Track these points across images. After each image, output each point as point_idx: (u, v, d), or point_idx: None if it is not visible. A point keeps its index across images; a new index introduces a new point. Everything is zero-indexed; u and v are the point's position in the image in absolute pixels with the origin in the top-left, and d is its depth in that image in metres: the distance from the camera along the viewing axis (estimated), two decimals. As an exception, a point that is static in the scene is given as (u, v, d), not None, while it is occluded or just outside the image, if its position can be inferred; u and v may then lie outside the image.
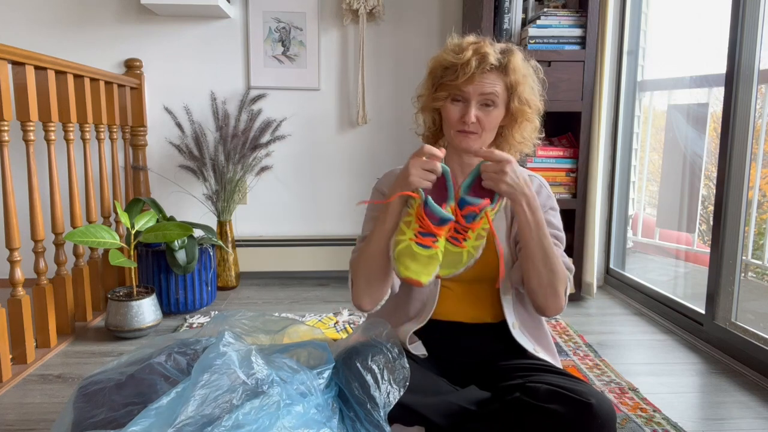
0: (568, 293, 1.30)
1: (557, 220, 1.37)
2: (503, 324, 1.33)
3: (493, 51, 1.27)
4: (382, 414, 1.09)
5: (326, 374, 1.14)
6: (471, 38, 1.31)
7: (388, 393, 1.11)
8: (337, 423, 1.10)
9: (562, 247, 1.34)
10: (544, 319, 1.40)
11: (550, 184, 1.45)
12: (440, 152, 1.17)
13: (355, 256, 1.35)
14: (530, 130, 1.35)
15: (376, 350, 1.16)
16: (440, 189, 1.19)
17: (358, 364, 1.14)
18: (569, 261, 1.33)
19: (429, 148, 1.17)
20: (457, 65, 1.25)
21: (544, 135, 1.42)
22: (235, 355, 1.08)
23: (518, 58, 1.29)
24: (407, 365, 1.15)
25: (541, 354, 1.34)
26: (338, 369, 1.16)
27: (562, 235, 1.36)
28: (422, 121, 1.42)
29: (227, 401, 1.01)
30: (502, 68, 1.27)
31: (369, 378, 1.12)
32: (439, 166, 1.18)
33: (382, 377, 1.12)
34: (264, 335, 1.31)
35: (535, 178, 1.38)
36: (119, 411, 1.12)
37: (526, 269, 1.26)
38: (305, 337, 1.33)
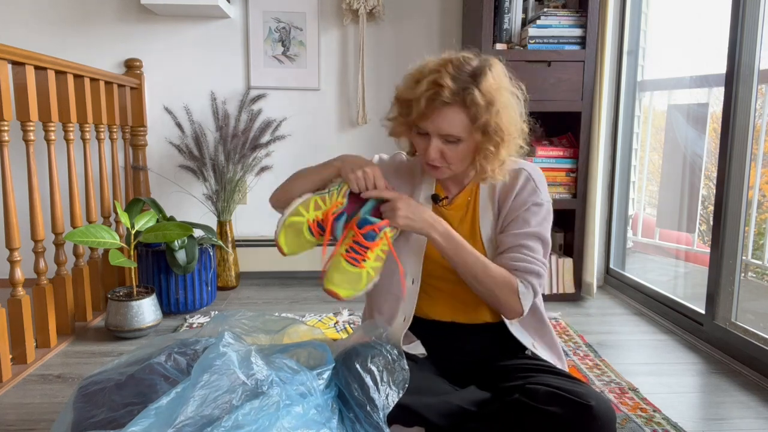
0: (525, 298, 1.25)
1: (537, 218, 1.28)
2: (501, 323, 1.33)
3: (450, 83, 1.15)
4: (381, 416, 1.09)
5: (326, 375, 1.14)
6: (434, 62, 1.20)
7: (387, 395, 1.11)
8: (336, 424, 1.10)
9: (541, 246, 1.27)
10: (545, 315, 1.39)
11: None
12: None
13: (290, 178, 1.46)
14: (507, 151, 1.23)
15: (375, 352, 1.16)
16: (354, 205, 1.25)
17: (357, 366, 1.14)
18: (535, 264, 1.25)
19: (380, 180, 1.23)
20: (412, 100, 1.18)
21: (529, 146, 1.31)
22: (235, 356, 1.08)
23: (486, 83, 1.16)
24: (407, 367, 1.15)
25: (541, 350, 1.34)
26: (338, 370, 1.16)
27: (541, 231, 1.27)
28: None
29: (227, 402, 1.01)
30: (461, 102, 1.15)
31: (368, 380, 1.12)
32: (382, 185, 1.24)
33: (382, 379, 1.12)
34: (264, 335, 1.31)
35: (523, 170, 1.30)
36: (119, 411, 1.12)
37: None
38: (305, 337, 1.34)
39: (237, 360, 1.07)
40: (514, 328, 1.33)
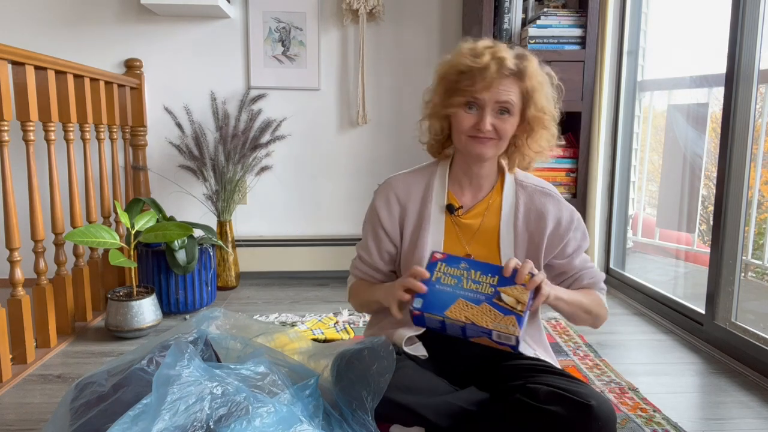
0: (606, 303, 1.41)
1: (583, 231, 1.38)
2: None
3: (510, 56, 1.24)
4: (369, 416, 1.09)
5: (311, 384, 1.15)
6: (486, 42, 1.28)
7: (374, 394, 1.11)
8: (320, 422, 1.10)
9: (593, 268, 1.40)
10: (542, 321, 1.43)
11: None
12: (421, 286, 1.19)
13: (352, 285, 1.44)
14: (546, 138, 1.32)
15: (364, 352, 1.15)
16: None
17: (344, 365, 1.14)
18: (599, 274, 1.40)
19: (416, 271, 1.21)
20: (475, 70, 1.22)
21: (564, 142, 1.41)
22: (198, 366, 1.07)
23: (534, 64, 1.27)
24: (394, 366, 1.15)
25: (541, 356, 1.34)
26: (332, 371, 1.16)
27: (590, 263, 1.40)
28: (427, 128, 1.38)
29: (198, 410, 1.00)
30: (519, 74, 1.24)
31: (356, 378, 1.11)
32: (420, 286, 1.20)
33: (369, 378, 1.11)
34: (236, 342, 1.31)
35: (549, 194, 1.36)
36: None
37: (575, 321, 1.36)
38: (281, 345, 1.35)
39: (201, 369, 1.06)
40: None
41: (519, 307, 1.15)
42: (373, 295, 1.36)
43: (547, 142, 1.33)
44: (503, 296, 1.16)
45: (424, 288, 1.18)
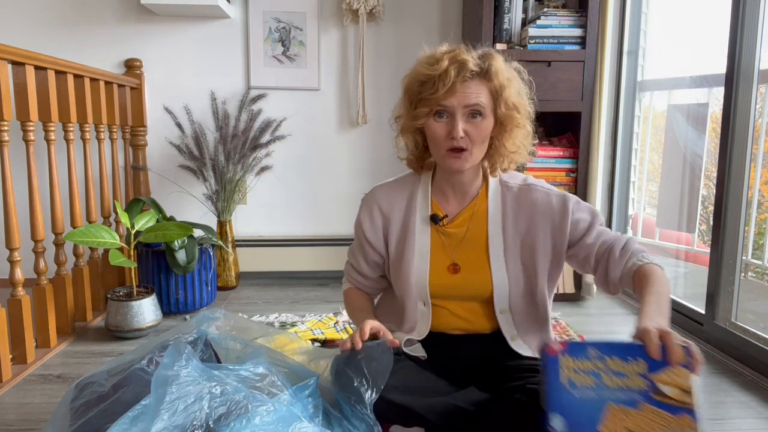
0: (650, 258, 1.30)
1: (585, 205, 1.31)
2: (500, 332, 1.33)
3: (471, 57, 1.20)
4: (368, 410, 1.09)
5: (311, 384, 1.15)
6: (444, 48, 1.24)
7: (373, 389, 1.11)
8: (320, 421, 1.10)
9: (600, 220, 1.31)
10: (550, 327, 1.39)
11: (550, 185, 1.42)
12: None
13: (345, 291, 1.47)
14: (522, 136, 1.28)
15: (363, 350, 1.16)
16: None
17: (342, 363, 1.14)
18: (627, 240, 1.28)
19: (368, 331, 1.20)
20: (435, 77, 1.18)
21: (537, 141, 1.35)
22: (196, 366, 1.07)
23: (499, 61, 1.23)
24: (392, 364, 1.15)
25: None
26: (332, 369, 1.17)
27: (593, 209, 1.32)
28: (404, 145, 1.35)
29: (198, 410, 1.00)
30: (484, 73, 1.20)
31: (354, 374, 1.11)
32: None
33: (367, 373, 1.12)
34: (236, 343, 1.31)
35: (534, 187, 1.32)
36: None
37: None
38: (280, 346, 1.36)
39: (199, 370, 1.06)
40: (514, 343, 1.32)
41: (687, 399, 0.89)
42: (355, 319, 1.42)
43: (523, 140, 1.28)
44: (661, 387, 0.91)
45: (359, 344, 1.14)
